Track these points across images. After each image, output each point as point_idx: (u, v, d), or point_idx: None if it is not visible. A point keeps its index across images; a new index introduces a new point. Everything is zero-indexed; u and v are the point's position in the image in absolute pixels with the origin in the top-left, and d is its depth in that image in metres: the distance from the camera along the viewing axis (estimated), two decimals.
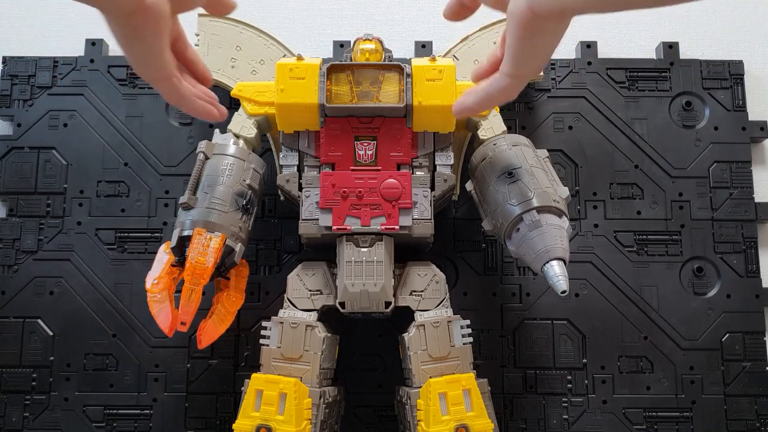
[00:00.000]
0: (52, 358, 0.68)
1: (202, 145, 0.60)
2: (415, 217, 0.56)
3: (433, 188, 0.58)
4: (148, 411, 0.67)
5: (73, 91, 0.73)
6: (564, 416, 0.67)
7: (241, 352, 0.68)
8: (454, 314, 0.57)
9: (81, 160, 0.72)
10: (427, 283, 0.58)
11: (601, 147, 0.72)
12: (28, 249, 0.70)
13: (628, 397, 0.67)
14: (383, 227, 0.55)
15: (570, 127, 0.72)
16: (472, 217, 0.70)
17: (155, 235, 0.70)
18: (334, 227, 0.56)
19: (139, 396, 0.67)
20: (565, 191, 0.55)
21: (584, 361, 0.68)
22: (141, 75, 0.45)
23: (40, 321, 0.68)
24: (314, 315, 0.57)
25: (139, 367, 0.68)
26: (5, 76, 0.73)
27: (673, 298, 0.69)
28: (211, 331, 0.60)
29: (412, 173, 0.57)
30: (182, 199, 0.57)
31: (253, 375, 0.55)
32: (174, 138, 0.72)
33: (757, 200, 0.71)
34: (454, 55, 0.66)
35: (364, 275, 0.55)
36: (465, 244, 0.70)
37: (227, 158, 0.59)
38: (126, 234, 0.70)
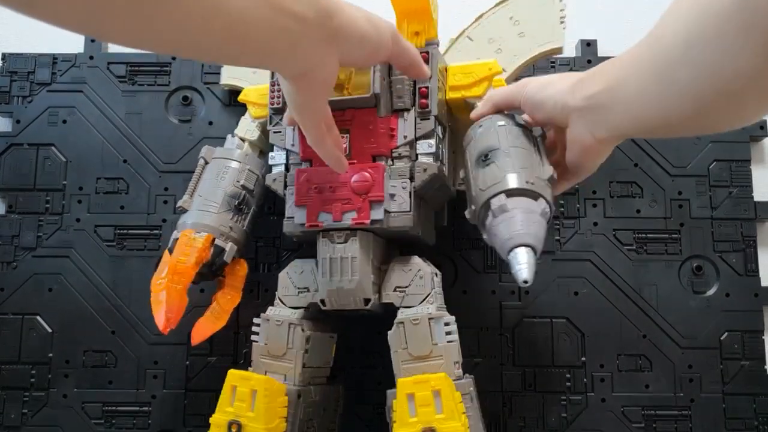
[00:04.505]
0: (50, 354, 0.68)
1: (203, 150, 0.63)
2: (393, 209, 0.54)
3: (413, 179, 0.55)
4: (146, 408, 0.67)
5: (73, 88, 0.73)
6: (563, 414, 0.67)
7: (239, 350, 0.68)
8: (448, 310, 0.55)
9: (80, 157, 0.71)
10: (411, 278, 0.56)
11: None
12: (27, 246, 0.70)
13: (627, 396, 0.67)
14: (353, 222, 0.53)
15: None
16: None
17: (154, 232, 0.70)
18: (307, 224, 0.54)
19: (138, 393, 0.67)
20: (547, 171, 0.50)
21: (583, 359, 0.68)
22: (298, 119, 0.48)
23: (39, 318, 0.68)
24: (299, 313, 0.57)
25: (138, 364, 0.68)
26: (4, 73, 0.73)
27: (672, 297, 0.69)
28: (203, 328, 0.60)
29: (392, 164, 0.55)
30: (179, 203, 0.60)
31: (230, 371, 0.55)
32: (173, 135, 0.72)
33: (756, 199, 0.71)
34: (468, 36, 0.63)
35: (340, 272, 0.54)
36: (464, 242, 0.70)
37: (224, 161, 0.62)
38: (125, 231, 0.70)
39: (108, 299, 0.69)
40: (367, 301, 0.54)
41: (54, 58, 0.73)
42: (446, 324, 0.53)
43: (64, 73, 0.73)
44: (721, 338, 0.68)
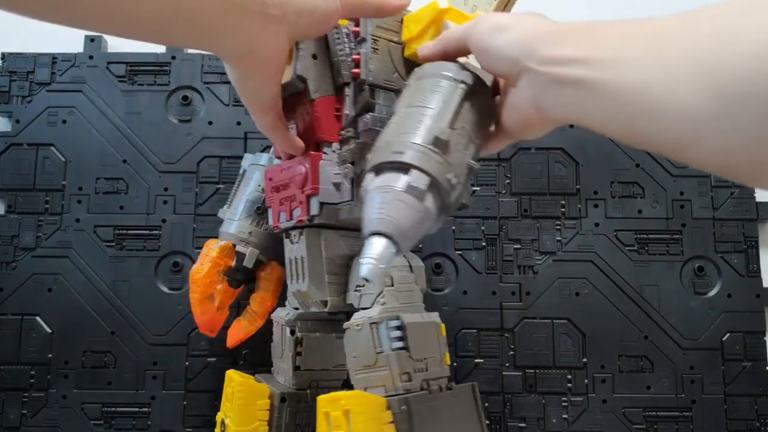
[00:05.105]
0: (50, 355, 0.68)
1: (243, 159, 0.64)
2: (338, 200, 0.48)
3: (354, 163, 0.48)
4: (146, 409, 0.67)
5: (72, 88, 0.72)
6: (564, 415, 0.67)
7: (239, 350, 0.68)
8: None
9: (79, 157, 0.71)
10: None
11: (601, 145, 0.72)
12: (26, 246, 0.70)
13: (628, 397, 0.67)
14: (297, 219, 0.49)
15: (571, 126, 0.72)
16: (473, 215, 0.70)
17: (154, 232, 0.70)
18: (272, 225, 0.52)
19: (138, 394, 0.67)
20: (435, 130, 0.37)
21: (584, 360, 0.68)
22: (245, 104, 0.45)
23: (38, 318, 0.68)
24: (295, 313, 0.54)
25: (137, 364, 0.67)
26: (4, 73, 0.73)
27: (673, 298, 0.69)
28: (236, 331, 0.62)
29: (340, 149, 0.49)
30: (218, 213, 0.63)
31: (227, 371, 0.56)
32: (173, 135, 0.72)
33: (758, 199, 0.71)
34: None
35: (295, 274, 0.51)
36: (465, 242, 0.70)
37: (252, 167, 0.63)
38: (124, 231, 0.70)
39: (107, 300, 0.69)
40: (324, 303, 0.50)
41: (53, 58, 0.73)
42: (395, 328, 0.45)
43: (63, 72, 0.73)
44: (723, 339, 0.68)
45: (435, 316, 0.49)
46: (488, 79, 0.42)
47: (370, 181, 0.37)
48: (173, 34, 0.37)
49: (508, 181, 0.71)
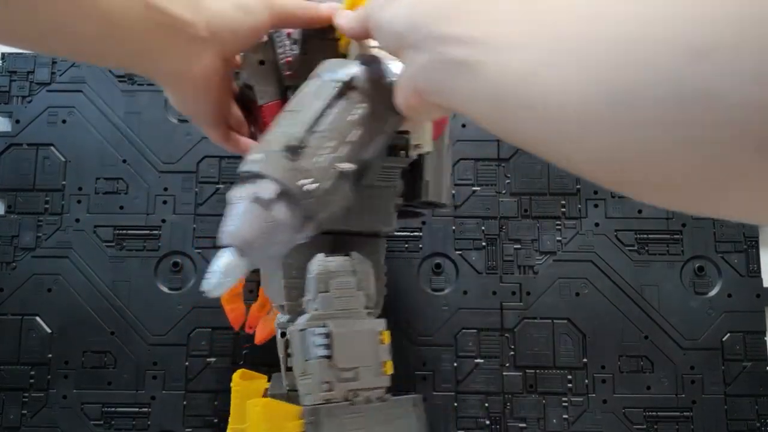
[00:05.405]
0: (50, 355, 0.67)
1: None
2: None
3: None
4: (146, 409, 0.67)
5: (72, 88, 0.72)
6: (564, 416, 0.67)
7: (240, 350, 0.68)
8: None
9: (79, 157, 0.71)
10: (309, 279, 0.46)
11: None
12: (26, 246, 0.70)
13: (629, 397, 0.67)
14: None
15: None
16: (473, 215, 0.70)
17: (153, 232, 0.70)
18: None
19: (137, 394, 0.67)
20: (288, 135, 0.35)
21: (584, 360, 0.68)
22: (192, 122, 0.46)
23: (38, 318, 0.68)
24: (286, 316, 0.52)
25: (137, 364, 0.67)
26: (4, 73, 0.73)
27: (673, 298, 0.69)
28: (263, 329, 0.62)
29: None
30: None
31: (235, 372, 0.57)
32: (173, 135, 0.72)
33: None
34: None
35: (262, 278, 0.51)
36: (465, 242, 0.70)
37: None
38: (124, 231, 0.70)
39: (107, 300, 0.69)
40: (282, 307, 0.49)
41: (53, 58, 0.73)
42: (320, 336, 0.43)
43: (63, 72, 0.73)
44: (723, 339, 0.68)
45: (377, 324, 0.45)
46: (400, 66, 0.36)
47: (233, 192, 0.35)
48: (109, 58, 0.38)
49: (508, 181, 0.71)
